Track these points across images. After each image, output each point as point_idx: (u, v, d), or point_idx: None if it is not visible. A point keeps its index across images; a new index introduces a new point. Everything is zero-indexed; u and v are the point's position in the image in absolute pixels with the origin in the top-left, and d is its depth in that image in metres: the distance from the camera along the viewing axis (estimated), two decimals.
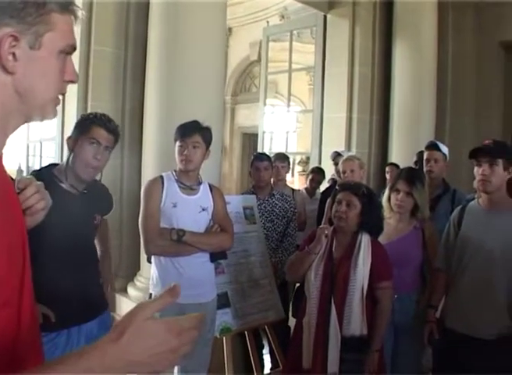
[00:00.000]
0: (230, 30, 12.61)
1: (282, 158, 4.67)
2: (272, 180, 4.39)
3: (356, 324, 2.78)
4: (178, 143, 2.98)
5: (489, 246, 2.77)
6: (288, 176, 7.90)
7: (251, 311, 3.67)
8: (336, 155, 4.75)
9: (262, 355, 4.33)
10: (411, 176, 3.23)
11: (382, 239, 3.10)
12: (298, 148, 10.25)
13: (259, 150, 6.83)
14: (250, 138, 11.89)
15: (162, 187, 2.99)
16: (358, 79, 6.10)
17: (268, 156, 4.26)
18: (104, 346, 0.80)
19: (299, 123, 10.13)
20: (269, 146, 7.59)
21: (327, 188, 4.95)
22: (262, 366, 4.24)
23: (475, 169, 2.82)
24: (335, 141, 6.04)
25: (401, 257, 3.10)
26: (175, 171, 3.07)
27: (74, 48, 0.99)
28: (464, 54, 6.50)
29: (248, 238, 3.78)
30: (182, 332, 0.85)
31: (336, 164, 4.68)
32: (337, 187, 3.04)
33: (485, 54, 6.52)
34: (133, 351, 0.80)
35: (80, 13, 1.00)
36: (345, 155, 4.48)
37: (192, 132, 2.96)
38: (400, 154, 5.63)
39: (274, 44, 7.63)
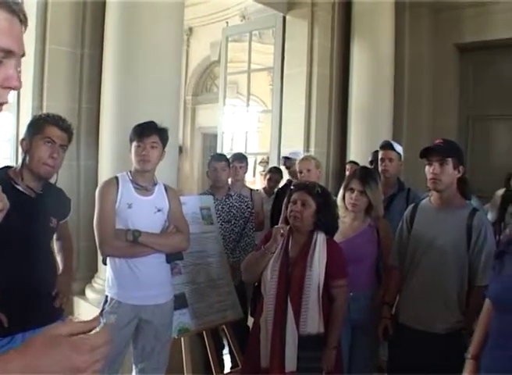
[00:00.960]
0: (191, 29, 12.56)
1: (240, 158, 4.68)
2: (230, 180, 4.40)
3: (313, 322, 2.81)
4: (135, 143, 2.96)
5: (440, 243, 2.84)
6: (249, 177, 7.95)
7: (209, 311, 3.66)
8: (286, 160, 4.78)
9: (222, 355, 4.33)
10: (365, 175, 3.27)
11: (337, 237, 3.14)
12: (260, 148, 10.28)
13: (219, 150, 6.82)
14: (212, 138, 11.86)
15: (117, 188, 2.96)
16: (317, 79, 6.13)
17: (225, 156, 4.26)
18: (11, 356, 0.80)
19: (261, 123, 10.16)
20: (230, 146, 7.59)
21: (282, 187, 4.97)
22: (223, 366, 4.24)
23: (426, 168, 2.88)
24: (294, 140, 6.08)
25: (356, 255, 3.15)
26: (130, 172, 3.04)
27: (14, 52, 0.90)
28: (421, 55, 6.62)
29: (205, 239, 3.77)
30: (91, 350, 0.84)
31: (287, 168, 4.71)
32: (292, 187, 3.07)
33: (441, 55, 6.64)
34: (35, 364, 0.80)
35: (22, 14, 0.91)
36: (294, 157, 4.53)
37: (150, 132, 2.95)
38: (359, 153, 5.70)
39: (235, 45, 7.63)
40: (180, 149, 12.35)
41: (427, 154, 2.88)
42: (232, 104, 7.96)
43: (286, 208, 2.99)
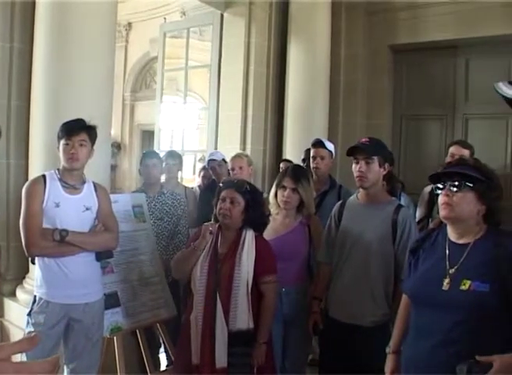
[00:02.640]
0: (130, 24, 12.35)
1: (174, 156, 4.65)
2: (164, 177, 4.38)
3: (242, 318, 2.84)
4: (63, 141, 2.92)
5: (367, 238, 2.92)
6: (189, 174, 7.90)
7: (142, 309, 3.63)
8: (210, 160, 4.80)
9: (158, 353, 4.31)
10: (297, 173, 3.32)
11: (269, 234, 3.19)
12: (200, 146, 10.21)
13: (156, 147, 6.77)
14: (151, 136, 11.72)
15: (44, 187, 2.91)
16: (254, 77, 6.15)
17: (156, 153, 4.24)
18: None
19: (201, 120, 10.11)
20: (170, 143, 7.53)
21: (208, 184, 4.96)
22: (158, 365, 4.22)
23: (353, 165, 2.96)
24: (230, 138, 6.08)
25: (288, 251, 3.20)
26: (58, 170, 2.99)
27: None
28: (356, 55, 6.73)
29: (138, 237, 3.74)
30: None
31: (212, 169, 4.72)
32: (221, 185, 3.08)
33: (376, 56, 6.78)
34: None
35: None
36: (217, 158, 4.55)
37: (79, 130, 2.92)
38: (295, 151, 5.74)
39: (175, 41, 7.56)
40: (119, 146, 12.18)
41: (353, 152, 2.96)
42: (172, 101, 7.88)
43: (215, 205, 3.01)
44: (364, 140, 2.99)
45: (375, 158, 2.90)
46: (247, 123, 6.10)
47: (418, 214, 4.13)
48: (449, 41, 6.24)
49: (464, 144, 4.09)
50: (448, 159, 3.81)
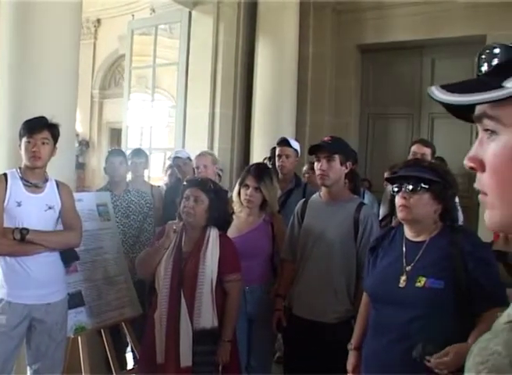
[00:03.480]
0: (99, 21, 12.19)
1: (140, 154, 4.63)
2: (130, 176, 4.36)
3: (206, 317, 2.85)
4: (25, 139, 2.89)
5: (329, 236, 2.96)
6: (159, 172, 7.85)
7: (107, 308, 3.61)
8: (175, 158, 4.79)
9: (125, 352, 4.29)
10: (260, 172, 3.33)
11: (232, 232, 3.21)
12: (170, 144, 10.14)
13: (123, 145, 6.72)
14: (119, 133, 11.59)
15: (6, 186, 2.88)
16: (221, 75, 6.15)
17: (122, 151, 4.22)
18: None
19: (171, 118, 10.04)
20: (139, 141, 7.48)
21: (174, 183, 4.95)
22: (126, 364, 4.19)
23: (315, 164, 2.99)
24: (198, 136, 6.07)
25: (251, 249, 3.21)
26: (20, 168, 2.96)
27: None
28: (324, 55, 6.79)
29: (102, 235, 3.71)
30: None
31: (177, 167, 4.71)
32: (185, 183, 3.09)
33: (344, 55, 6.86)
34: None
35: None
36: (182, 156, 4.55)
37: (41, 128, 2.90)
38: (262, 149, 5.75)
39: (145, 38, 7.51)
40: (87, 144, 12.04)
41: (315, 151, 2.99)
42: (142, 98, 7.82)
43: (179, 204, 3.01)
44: (325, 138, 3.03)
45: (337, 156, 2.93)
46: (215, 121, 6.10)
47: (382, 212, 4.18)
48: (416, 42, 6.34)
49: (425, 142, 4.16)
50: (410, 158, 3.88)
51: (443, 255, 2.15)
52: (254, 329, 3.34)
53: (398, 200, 2.22)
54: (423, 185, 2.16)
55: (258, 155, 5.71)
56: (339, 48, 6.90)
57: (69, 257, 3.08)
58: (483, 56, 0.68)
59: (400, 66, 6.79)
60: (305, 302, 3.03)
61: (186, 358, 2.81)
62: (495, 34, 5.32)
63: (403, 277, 2.20)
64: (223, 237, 2.99)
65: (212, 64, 6.15)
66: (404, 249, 2.26)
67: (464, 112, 0.70)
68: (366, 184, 5.91)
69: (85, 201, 3.61)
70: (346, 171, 3.02)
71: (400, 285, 2.19)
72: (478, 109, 0.68)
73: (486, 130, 0.68)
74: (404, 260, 2.23)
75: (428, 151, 4.00)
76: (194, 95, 6.20)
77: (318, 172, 2.97)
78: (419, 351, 1.96)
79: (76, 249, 3.15)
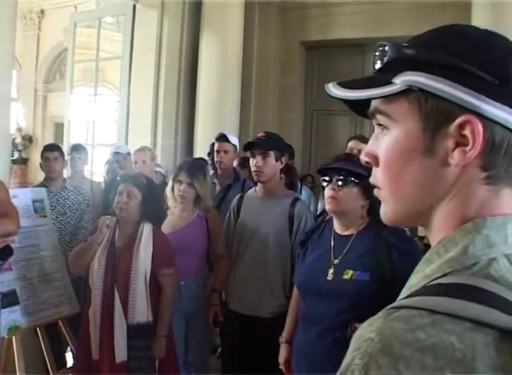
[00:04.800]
0: (43, 12, 11.86)
1: (79, 149, 4.55)
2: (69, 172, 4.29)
3: (141, 311, 2.85)
4: None
5: (264, 231, 2.99)
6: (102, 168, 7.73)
7: (43, 307, 3.53)
8: (115, 154, 4.75)
9: (65, 351, 4.22)
10: (193, 167, 3.34)
11: (166, 228, 3.21)
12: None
13: (65, 140, 6.60)
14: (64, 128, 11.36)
15: None
16: (165, 70, 6.11)
17: (58, 146, 4.14)
18: None
19: (118, 113, 9.91)
20: (85, 136, 7.35)
21: (113, 178, 4.91)
22: (65, 363, 4.13)
23: (250, 160, 3.02)
24: (141, 131, 6.02)
25: (186, 245, 3.22)
26: None
27: None
28: (269, 51, 6.84)
29: (38, 232, 3.63)
30: None
31: (117, 162, 4.67)
32: (118, 179, 3.07)
33: (288, 52, 6.93)
34: None
35: None
36: (122, 151, 4.51)
37: None
38: (206, 145, 5.69)
39: (92, 31, 7.38)
40: (30, 139, 11.75)
41: (250, 147, 3.02)
42: (87, 93, 7.68)
43: (113, 199, 2.99)
44: (260, 135, 3.06)
45: (271, 152, 2.97)
46: (158, 116, 6.06)
47: (319, 207, 4.25)
48: (358, 40, 6.45)
49: (362, 138, 4.23)
50: None
51: (369, 248, 2.21)
52: (191, 324, 3.35)
53: (327, 192, 2.26)
54: (353, 179, 2.20)
55: (202, 150, 5.69)
56: (284, 44, 6.97)
57: (3, 252, 3.01)
58: (377, 54, 0.70)
59: (343, 63, 6.89)
60: (241, 297, 3.05)
61: (121, 354, 2.81)
62: None
63: (331, 270, 2.24)
64: (157, 232, 3.00)
65: (156, 59, 6.10)
66: (332, 243, 2.31)
67: (363, 109, 0.72)
68: (309, 180, 5.99)
69: (20, 198, 3.52)
70: (281, 166, 3.06)
71: (328, 278, 2.24)
72: (372, 105, 0.70)
73: (379, 125, 0.70)
74: (332, 253, 2.28)
75: (364, 146, 4.06)
76: (138, 90, 6.13)
77: (253, 168, 3.00)
78: (351, 330, 2.02)
79: (11, 246, 3.08)
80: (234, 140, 4.05)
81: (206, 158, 4.44)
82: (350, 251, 2.25)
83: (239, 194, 3.27)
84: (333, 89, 0.72)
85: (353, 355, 0.56)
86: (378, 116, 0.69)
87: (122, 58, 6.35)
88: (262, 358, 2.82)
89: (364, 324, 0.59)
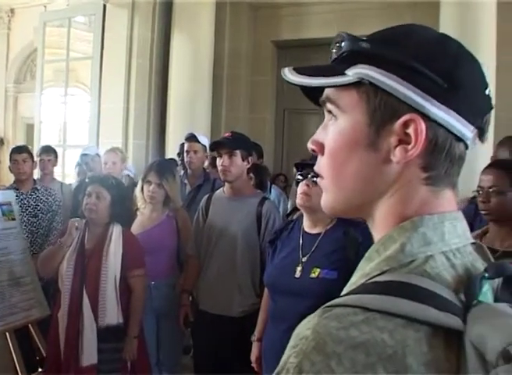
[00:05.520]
0: (13, 11, 11.66)
1: (48, 150, 4.51)
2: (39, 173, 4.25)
3: (111, 313, 2.84)
4: None
5: (232, 231, 3.00)
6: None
7: (12, 311, 3.47)
8: (83, 155, 4.73)
9: (36, 355, 4.17)
10: (162, 168, 3.35)
11: (136, 228, 3.22)
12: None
13: (36, 142, 6.53)
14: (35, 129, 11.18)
15: None
16: (136, 70, 6.07)
17: (26, 148, 4.11)
18: None
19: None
20: (58, 137, 7.27)
21: (82, 180, 4.89)
22: (36, 367, 4.09)
23: (217, 160, 3.04)
24: (112, 132, 5.97)
25: (156, 245, 3.22)
26: None
27: None
28: (240, 50, 6.83)
29: (7, 235, 3.58)
30: None
31: (86, 164, 4.65)
32: (87, 180, 3.06)
33: (260, 51, 6.94)
34: None
35: None
36: (90, 152, 4.49)
37: None
38: (177, 145, 5.71)
39: (63, 31, 7.28)
40: (1, 141, 11.56)
41: (216, 147, 3.04)
42: (60, 93, 7.59)
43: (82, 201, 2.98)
44: (226, 134, 3.08)
45: (238, 152, 2.98)
46: (129, 116, 6.02)
47: (290, 205, 4.28)
48: (330, 39, 6.26)
49: None
50: None
51: (337, 246, 2.24)
52: (162, 324, 3.36)
53: (300, 187, 2.29)
54: None
55: (173, 151, 5.68)
56: (256, 43, 6.98)
57: None
58: (336, 44, 0.71)
59: (314, 62, 6.75)
60: (211, 297, 3.06)
61: (90, 356, 2.79)
62: None
63: (299, 268, 2.27)
64: (126, 233, 3.00)
65: (127, 58, 6.05)
66: (301, 241, 2.34)
67: (318, 97, 0.73)
68: (282, 179, 6.01)
69: None
70: (248, 166, 3.08)
71: (296, 276, 2.26)
72: (324, 93, 0.71)
73: (329, 113, 0.71)
74: (301, 251, 2.31)
75: None
76: (108, 90, 6.09)
77: (219, 168, 3.01)
78: None
79: None
80: (204, 140, 4.06)
81: (177, 158, 4.43)
82: (318, 250, 2.27)
83: (207, 194, 3.28)
84: (288, 74, 0.73)
85: (289, 353, 0.58)
86: (328, 105, 0.70)
87: (92, 59, 6.29)
88: (234, 357, 2.84)
89: (302, 322, 0.60)
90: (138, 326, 2.97)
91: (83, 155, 4.65)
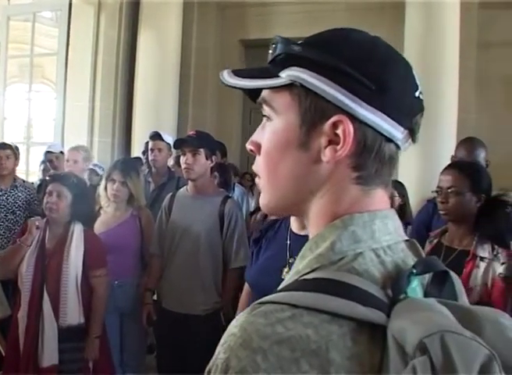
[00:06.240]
0: None
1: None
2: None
3: (72, 314, 2.81)
4: None
5: (195, 229, 3.01)
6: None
7: None
8: (47, 153, 4.67)
9: None
10: (126, 166, 3.33)
11: (99, 227, 3.20)
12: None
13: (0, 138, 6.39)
14: None
15: None
16: (102, 67, 6.01)
17: (10, 145, 4.07)
18: None
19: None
20: (24, 134, 7.13)
21: (42, 180, 4.83)
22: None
23: (181, 158, 3.04)
24: (77, 130, 5.90)
25: (119, 244, 3.21)
26: None
27: None
28: (207, 49, 6.80)
29: None
30: None
31: (49, 162, 4.60)
32: (47, 178, 3.03)
33: (227, 50, 6.92)
34: None
35: None
36: (54, 150, 4.44)
37: None
38: (143, 144, 5.70)
39: (29, 25, 7.14)
40: None
41: (180, 145, 3.04)
42: (24, 89, 7.46)
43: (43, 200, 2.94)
44: (191, 133, 3.09)
45: (202, 150, 2.99)
46: (95, 114, 5.96)
47: (255, 204, 4.30)
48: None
49: None
50: None
51: None
52: (126, 324, 3.35)
53: None
54: None
55: (139, 149, 5.62)
56: (223, 43, 6.96)
57: None
58: (272, 46, 0.73)
59: None
60: (174, 295, 3.07)
61: (52, 356, 2.76)
62: (371, 34, 5.57)
63: (286, 269, 2.25)
64: (88, 232, 2.96)
65: (93, 56, 5.99)
66: (289, 242, 2.31)
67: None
68: (248, 178, 6.02)
69: None
70: (212, 165, 3.09)
71: (283, 277, 2.25)
72: (261, 95, 0.72)
73: (265, 115, 0.72)
74: (288, 252, 2.29)
75: None
76: (74, 87, 6.01)
77: (183, 166, 3.02)
78: None
79: None
80: (168, 138, 4.04)
81: (142, 157, 4.41)
82: None
83: (170, 193, 3.27)
84: (227, 77, 0.75)
85: (219, 350, 0.59)
86: (264, 106, 0.71)
87: (57, 55, 6.20)
88: (197, 356, 2.84)
89: (234, 320, 0.62)
90: (100, 326, 2.95)
91: (47, 152, 4.59)
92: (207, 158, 3.02)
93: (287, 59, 0.69)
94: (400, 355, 0.53)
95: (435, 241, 2.40)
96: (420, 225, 3.06)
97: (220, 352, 0.59)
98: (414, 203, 4.05)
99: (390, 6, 5.77)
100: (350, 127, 0.64)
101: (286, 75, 0.68)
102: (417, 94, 0.69)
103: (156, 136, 4.00)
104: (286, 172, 0.69)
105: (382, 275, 0.63)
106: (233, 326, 0.60)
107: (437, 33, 4.90)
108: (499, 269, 2.12)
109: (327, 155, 0.65)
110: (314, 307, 0.58)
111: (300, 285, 0.62)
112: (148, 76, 6.00)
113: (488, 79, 5.81)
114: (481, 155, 3.01)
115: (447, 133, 4.75)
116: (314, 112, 0.66)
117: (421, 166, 4.66)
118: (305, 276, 0.64)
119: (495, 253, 2.16)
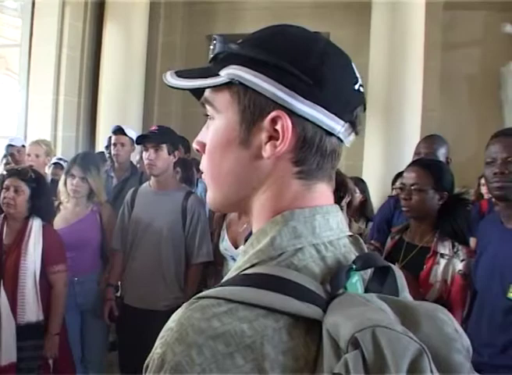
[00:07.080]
0: None
1: None
2: None
3: (31, 310, 2.77)
4: None
5: (157, 225, 3.00)
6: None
7: None
8: (8, 146, 4.60)
9: None
10: (86, 161, 3.28)
11: (59, 223, 3.16)
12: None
13: None
14: None
15: None
16: (66, 60, 5.93)
17: None
18: None
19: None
20: None
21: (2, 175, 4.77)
22: None
23: (143, 153, 3.02)
24: (41, 123, 5.81)
25: (79, 240, 3.17)
26: None
27: None
28: (174, 44, 6.78)
29: None
30: None
31: (11, 155, 4.53)
32: (4, 173, 2.98)
33: (194, 45, 6.87)
34: None
35: None
36: (16, 144, 4.37)
37: None
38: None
39: None
40: None
41: (143, 140, 3.02)
42: None
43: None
44: (153, 128, 3.08)
45: (164, 146, 2.98)
46: (59, 108, 5.88)
47: None
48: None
49: None
50: None
51: None
52: (87, 320, 3.31)
53: None
54: None
55: (103, 143, 5.59)
56: (190, 38, 6.93)
57: None
58: (212, 45, 0.72)
59: None
60: (136, 291, 3.06)
61: (9, 355, 2.71)
62: (337, 33, 5.62)
63: None
64: (47, 227, 2.92)
65: (57, 48, 5.90)
66: None
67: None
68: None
69: None
70: (175, 160, 3.08)
71: None
72: (204, 95, 0.72)
73: (207, 114, 0.73)
74: None
75: None
76: (38, 79, 5.91)
77: (145, 161, 3.00)
78: None
79: None
80: (131, 133, 3.99)
81: (105, 151, 4.36)
82: None
83: (133, 188, 3.25)
84: (169, 77, 0.75)
85: (156, 344, 0.60)
86: (207, 106, 0.72)
87: (20, 46, 6.09)
88: None
89: (174, 313, 0.62)
90: (59, 323, 2.91)
91: (9, 145, 4.50)
92: (169, 154, 3.01)
93: (226, 58, 0.69)
94: (334, 349, 0.53)
95: (397, 237, 2.43)
96: (381, 221, 3.09)
97: (157, 347, 0.59)
98: (378, 200, 4.10)
99: (356, 5, 5.82)
100: (289, 122, 0.64)
101: (225, 73, 0.68)
102: (356, 87, 0.70)
103: (119, 130, 3.95)
104: (228, 169, 0.70)
105: (322, 270, 0.63)
106: (171, 321, 0.60)
107: (402, 33, 4.96)
108: (459, 266, 2.16)
109: (267, 150, 0.66)
110: (249, 302, 0.58)
111: (238, 280, 0.63)
112: (114, 70, 5.95)
113: (452, 78, 5.91)
114: (441, 152, 3.03)
115: (411, 131, 4.82)
116: (253, 108, 0.66)
117: (386, 163, 4.72)
118: (244, 272, 0.64)
119: (455, 250, 2.20)
